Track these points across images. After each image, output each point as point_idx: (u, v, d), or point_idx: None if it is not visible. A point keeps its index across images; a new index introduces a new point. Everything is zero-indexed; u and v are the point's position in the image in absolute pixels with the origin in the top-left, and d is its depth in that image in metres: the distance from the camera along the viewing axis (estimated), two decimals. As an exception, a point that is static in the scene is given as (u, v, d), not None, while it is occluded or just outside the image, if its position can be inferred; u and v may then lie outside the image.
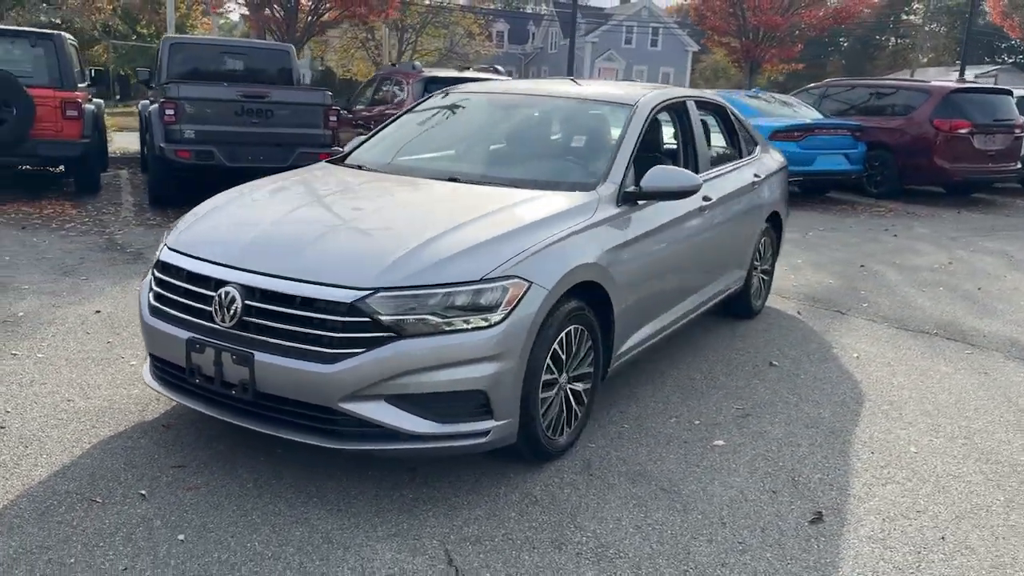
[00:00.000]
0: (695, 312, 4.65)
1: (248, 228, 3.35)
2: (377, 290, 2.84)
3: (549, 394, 3.26)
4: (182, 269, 3.21)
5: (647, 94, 4.42)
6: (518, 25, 57.57)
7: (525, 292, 3.01)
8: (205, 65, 10.27)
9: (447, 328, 2.86)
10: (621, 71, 52.66)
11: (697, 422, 3.88)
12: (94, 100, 10.71)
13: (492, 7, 55.74)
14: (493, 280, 2.96)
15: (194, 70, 10.22)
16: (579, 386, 3.49)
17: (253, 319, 2.93)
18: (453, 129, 4.57)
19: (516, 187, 3.75)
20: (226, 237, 3.31)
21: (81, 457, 3.22)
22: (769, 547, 2.83)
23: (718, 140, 5.50)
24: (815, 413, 4.07)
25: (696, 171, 4.61)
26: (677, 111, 4.72)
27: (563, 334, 3.27)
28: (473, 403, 2.93)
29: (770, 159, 5.83)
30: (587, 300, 3.42)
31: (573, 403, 3.46)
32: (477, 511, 2.97)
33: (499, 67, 12.51)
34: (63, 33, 9.82)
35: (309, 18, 21.41)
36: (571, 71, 21.12)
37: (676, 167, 4.00)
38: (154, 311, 3.27)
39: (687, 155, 4.71)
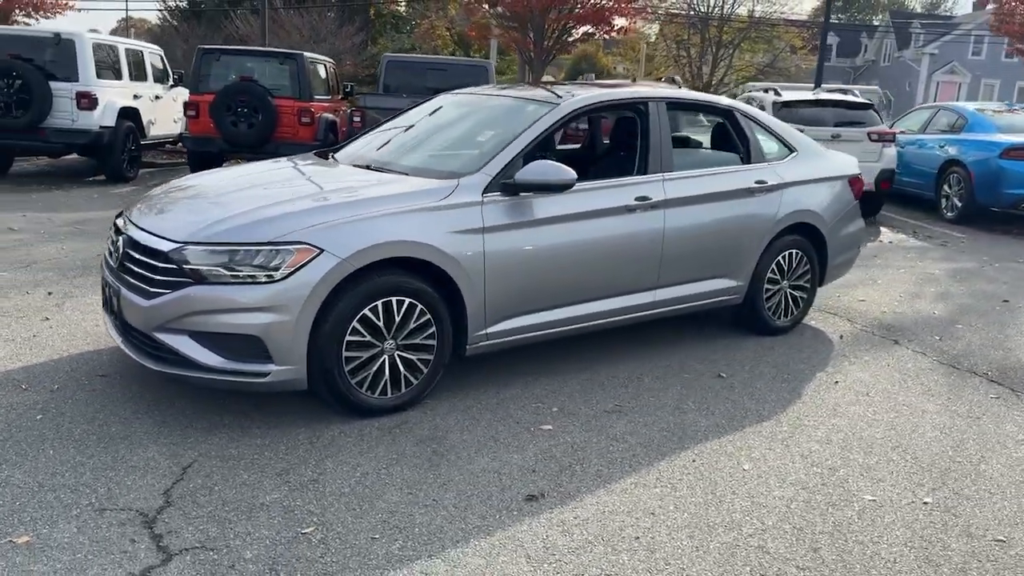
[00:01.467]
0: (642, 312, 4.62)
1: (175, 196, 4.18)
2: (186, 244, 3.50)
3: (361, 355, 3.63)
4: (113, 224, 4.13)
5: (578, 96, 4.53)
6: (848, 38, 53.86)
7: (313, 258, 3.45)
8: (412, 80, 11.61)
9: (233, 280, 3.42)
10: (965, 85, 46.98)
11: (554, 408, 3.95)
12: (341, 111, 12.58)
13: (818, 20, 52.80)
14: (280, 244, 3.45)
15: (403, 83, 11.61)
16: (413, 356, 3.80)
17: (126, 263, 3.74)
18: (417, 127, 5.02)
19: (405, 173, 4.16)
20: (154, 203, 4.17)
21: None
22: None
23: (717, 143, 5.29)
24: (677, 420, 3.90)
25: (644, 171, 4.60)
26: (638, 112, 4.72)
27: (380, 303, 3.63)
28: (254, 346, 3.45)
29: (810, 167, 5.41)
30: (424, 277, 3.74)
31: (403, 370, 3.78)
32: (280, 445, 3.48)
33: (676, 77, 12.42)
34: (305, 53, 11.77)
35: (555, 37, 22.38)
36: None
37: (555, 163, 4.08)
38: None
39: (641, 155, 4.68)
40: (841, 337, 5.47)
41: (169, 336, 3.51)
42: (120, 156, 11.29)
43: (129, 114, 11.49)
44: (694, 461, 3.49)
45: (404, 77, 11.69)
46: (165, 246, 3.54)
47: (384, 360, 3.74)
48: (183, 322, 3.46)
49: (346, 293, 3.55)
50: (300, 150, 11.30)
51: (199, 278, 3.44)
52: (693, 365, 4.72)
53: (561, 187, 4.05)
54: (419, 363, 3.84)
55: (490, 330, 4.04)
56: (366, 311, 3.62)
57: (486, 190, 3.98)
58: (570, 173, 4.03)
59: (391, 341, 3.73)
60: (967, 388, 4.59)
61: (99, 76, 11.02)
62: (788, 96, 10.97)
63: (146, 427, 3.55)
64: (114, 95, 11.19)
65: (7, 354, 4.31)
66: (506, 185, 4.02)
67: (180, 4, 38.68)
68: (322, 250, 3.48)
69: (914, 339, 5.48)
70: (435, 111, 5.12)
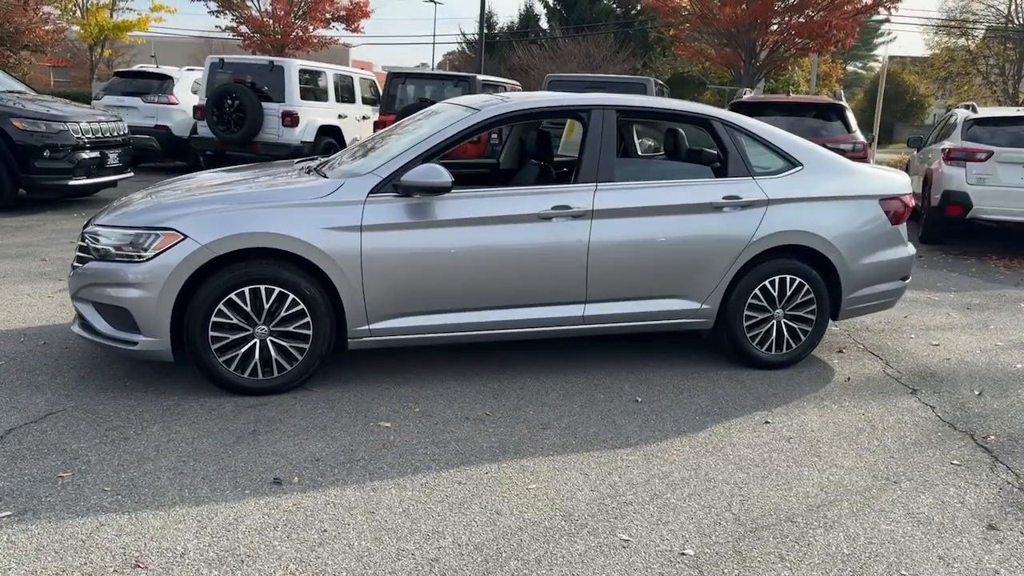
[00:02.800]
0: (570, 326, 4.44)
1: (151, 190, 4.84)
2: (95, 225, 4.07)
3: (228, 336, 3.96)
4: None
5: (500, 104, 4.48)
6: None
7: (177, 242, 3.85)
8: (573, 97, 11.73)
9: (118, 258, 3.92)
10: None
11: (416, 409, 3.96)
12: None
13: None
14: (151, 228, 3.90)
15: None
16: (287, 343, 4.06)
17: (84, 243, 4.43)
18: (389, 135, 5.20)
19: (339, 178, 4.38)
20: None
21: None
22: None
23: (693, 155, 4.86)
24: (519, 435, 3.70)
25: (575, 179, 4.44)
26: (580, 120, 4.55)
27: (248, 290, 3.94)
28: (127, 318, 3.92)
29: (817, 184, 4.76)
30: (299, 269, 3.98)
31: (274, 355, 4.05)
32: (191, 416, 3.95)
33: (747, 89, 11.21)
34: (479, 76, 12.44)
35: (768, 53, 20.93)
36: None
37: (436, 167, 4.07)
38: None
39: (577, 164, 4.49)
40: (848, 379, 4.75)
41: (80, 304, 4.09)
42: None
43: (330, 131, 12.93)
44: (473, 477, 3.33)
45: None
46: (87, 228, 4.15)
47: (255, 344, 4.02)
48: (86, 292, 4.03)
49: (211, 277, 3.90)
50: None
51: (99, 255, 3.98)
52: (620, 387, 4.42)
53: (438, 189, 4.07)
54: (294, 351, 4.07)
55: (373, 326, 4.16)
56: (232, 296, 3.93)
57: (374, 190, 4.11)
58: (445, 177, 4.04)
59: (263, 327, 4.00)
60: (933, 450, 3.79)
61: (304, 98, 12.57)
62: (986, 113, 9.49)
63: (38, 379, 4.16)
64: (316, 114, 12.68)
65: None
66: (396, 186, 4.12)
67: (476, 37, 42.64)
68: (186, 236, 3.87)
69: (941, 392, 4.59)
70: (411, 120, 5.31)
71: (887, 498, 3.30)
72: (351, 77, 13.94)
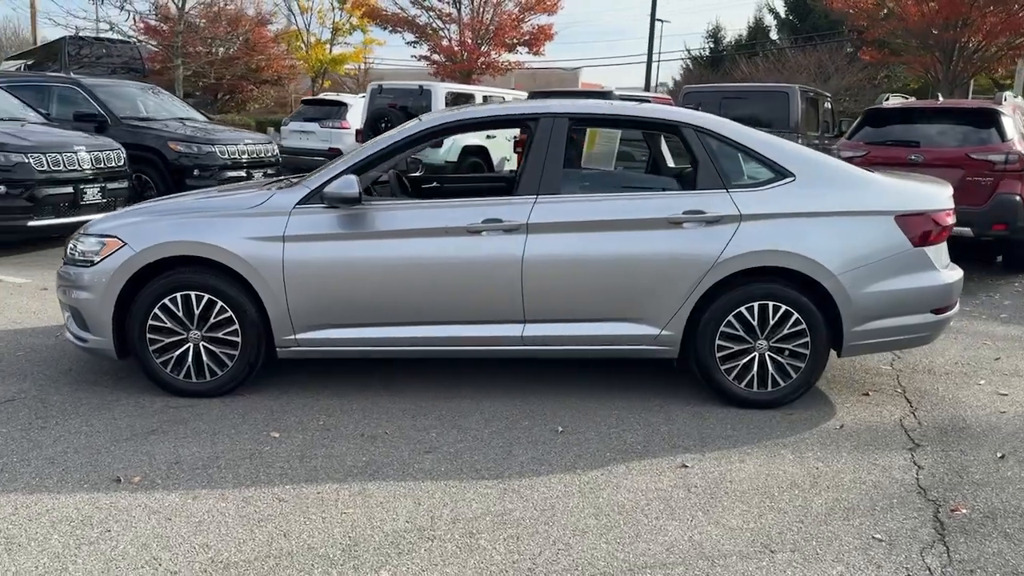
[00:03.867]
0: (508, 346, 4.18)
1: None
2: (81, 231, 4.47)
3: (163, 339, 4.18)
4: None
5: (438, 115, 4.35)
6: None
7: (117, 249, 4.14)
8: (711, 110, 11.08)
9: (78, 262, 4.27)
10: None
11: (320, 421, 3.93)
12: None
13: None
14: (101, 236, 4.22)
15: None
16: (217, 349, 4.21)
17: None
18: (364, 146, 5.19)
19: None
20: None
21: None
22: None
23: (659, 166, 4.34)
24: (390, 458, 3.51)
25: (515, 191, 4.20)
26: (527, 130, 4.28)
27: (180, 295, 4.15)
28: (80, 317, 4.26)
29: (810, 198, 4.10)
30: (226, 277, 4.13)
31: (206, 359, 4.22)
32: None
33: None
34: (614, 90, 12.13)
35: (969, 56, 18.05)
36: None
37: (351, 179, 4.00)
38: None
39: (522, 172, 4.24)
40: (841, 426, 4.03)
41: (65, 311, 4.52)
42: (462, 186, 13.09)
43: (476, 151, 13.25)
44: (301, 495, 3.22)
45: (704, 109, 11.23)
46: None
47: (189, 348, 4.20)
48: (60, 293, 4.45)
49: (149, 282, 4.14)
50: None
51: (70, 259, 4.38)
52: (554, 414, 4.08)
53: (348, 200, 4.02)
54: (224, 357, 4.21)
55: (299, 336, 4.18)
56: (166, 301, 4.14)
57: (302, 202, 4.15)
58: (353, 189, 3.99)
59: (196, 332, 4.18)
60: (864, 518, 3.10)
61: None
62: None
63: (33, 369, 4.61)
64: (464, 136, 13.05)
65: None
66: (321, 198, 4.13)
67: (703, 53, 42.20)
68: (125, 243, 4.14)
69: (952, 451, 3.75)
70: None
71: (739, 569, 2.75)
72: (503, 99, 14.20)
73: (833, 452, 3.71)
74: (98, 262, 4.16)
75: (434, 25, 26.09)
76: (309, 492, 3.23)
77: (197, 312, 4.14)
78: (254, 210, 4.16)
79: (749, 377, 4.18)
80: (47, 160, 7.93)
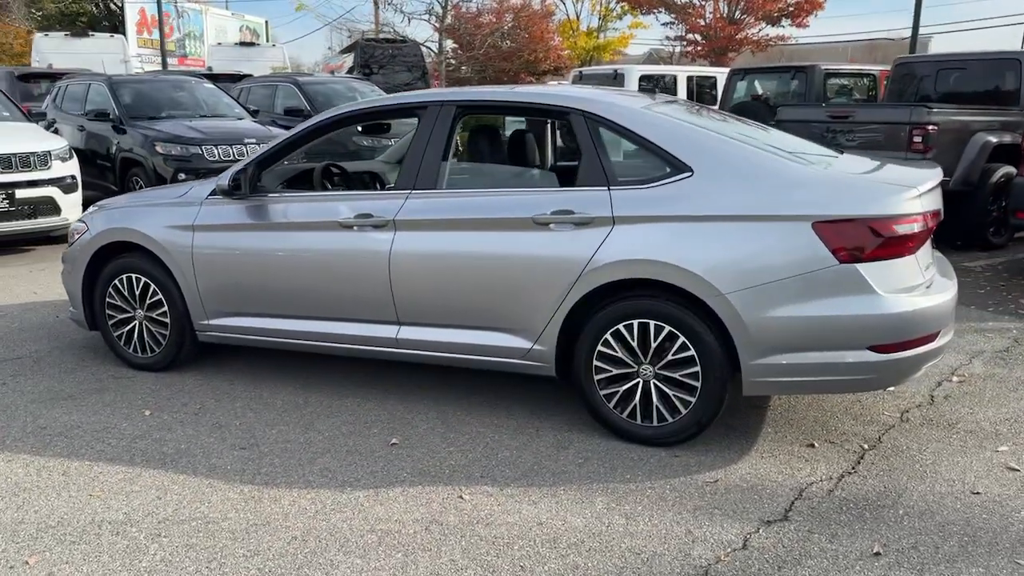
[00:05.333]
0: (385, 348, 4.01)
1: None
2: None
3: (115, 315, 4.64)
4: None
5: (333, 108, 4.21)
6: None
7: (84, 233, 4.67)
8: (922, 84, 9.36)
9: (70, 243, 4.88)
10: None
11: (199, 406, 4.10)
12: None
13: None
14: (80, 220, 4.78)
15: (908, 88, 9.50)
16: (153, 328, 4.57)
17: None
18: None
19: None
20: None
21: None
22: None
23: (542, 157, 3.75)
24: (183, 447, 3.54)
25: (395, 184, 4.02)
26: (418, 117, 4.00)
27: (124, 277, 4.58)
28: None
29: (704, 197, 3.35)
30: (156, 260, 4.48)
31: (145, 336, 4.60)
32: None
33: None
34: (818, 65, 10.72)
35: None
36: None
37: (229, 172, 4.06)
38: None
39: (403, 165, 3.99)
40: (716, 481, 3.27)
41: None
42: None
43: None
44: (79, 471, 3.40)
45: (910, 82, 9.47)
46: None
47: (135, 324, 4.62)
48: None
49: (100, 262, 4.61)
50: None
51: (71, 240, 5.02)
52: (411, 423, 3.82)
53: (223, 192, 4.15)
54: (159, 336, 4.56)
55: (210, 322, 4.39)
56: (116, 281, 4.59)
57: (212, 193, 4.33)
58: (222, 182, 4.09)
59: (140, 311, 4.59)
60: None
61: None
62: None
63: (59, 333, 5.33)
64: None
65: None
66: (224, 190, 4.27)
67: None
68: (88, 228, 4.65)
69: (823, 532, 2.87)
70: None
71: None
72: (713, 78, 13.23)
73: (658, 510, 3.03)
74: (73, 243, 4.72)
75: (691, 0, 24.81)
76: (88, 470, 3.40)
77: (138, 292, 4.52)
78: (176, 200, 4.42)
79: (631, 407, 3.55)
80: (218, 151, 8.98)
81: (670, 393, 3.47)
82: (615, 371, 3.55)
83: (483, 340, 3.78)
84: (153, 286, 4.46)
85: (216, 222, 4.26)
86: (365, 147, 9.61)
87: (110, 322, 4.65)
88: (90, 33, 20.27)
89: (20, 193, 7.59)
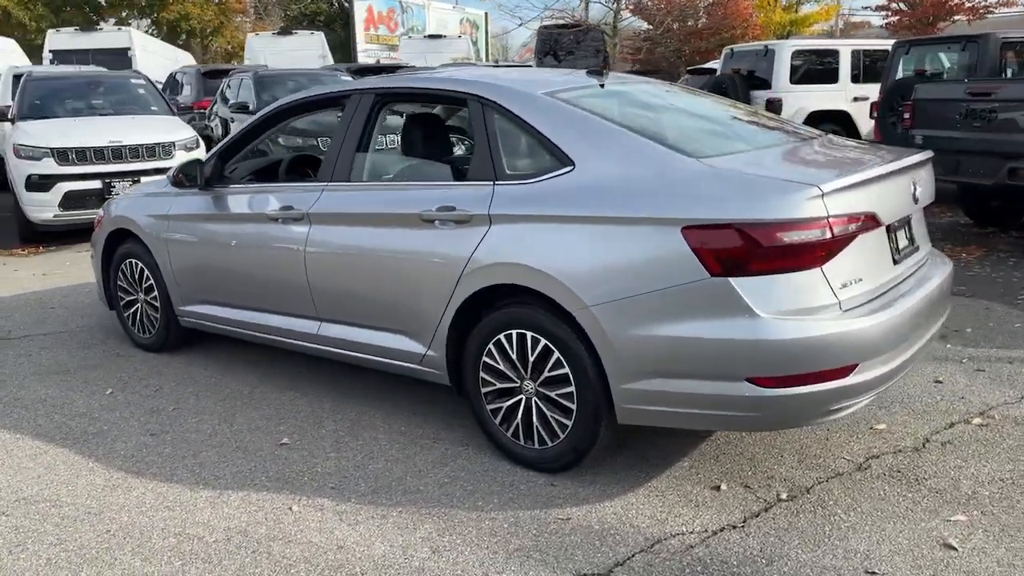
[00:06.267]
0: (311, 344, 3.94)
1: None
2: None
3: (127, 297, 4.97)
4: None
5: (277, 102, 4.15)
6: None
7: (102, 218, 5.03)
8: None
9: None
10: None
11: (113, 390, 4.28)
12: None
13: None
14: (101, 208, 5.16)
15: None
16: (151, 312, 4.83)
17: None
18: None
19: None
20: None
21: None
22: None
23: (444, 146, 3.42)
24: (62, 426, 3.67)
25: (300, 176, 4.02)
26: (342, 108, 3.85)
27: (126, 263, 4.89)
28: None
29: (579, 194, 2.93)
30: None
31: (145, 320, 4.87)
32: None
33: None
34: (993, 33, 9.14)
35: None
36: None
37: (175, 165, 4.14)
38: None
39: (327, 156, 3.87)
40: (567, 519, 2.87)
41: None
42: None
43: (830, 117, 11.32)
44: None
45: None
46: None
47: (138, 307, 4.91)
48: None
49: (116, 250, 4.94)
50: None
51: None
52: (324, 426, 3.73)
53: (173, 183, 4.24)
54: (155, 319, 4.81)
55: (184, 308, 4.56)
56: (122, 265, 4.91)
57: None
58: (168, 172, 4.18)
59: (141, 295, 4.87)
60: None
61: (800, 82, 11.33)
62: None
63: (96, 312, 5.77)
64: (813, 100, 11.29)
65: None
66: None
67: None
68: (104, 215, 5.01)
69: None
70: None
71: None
72: (886, 51, 11.71)
73: (474, 547, 2.71)
74: (96, 229, 5.10)
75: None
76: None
77: (139, 277, 4.80)
78: (162, 190, 4.62)
79: (515, 426, 3.22)
80: None
81: (548, 414, 3.09)
82: (499, 385, 3.22)
83: (386, 342, 3.59)
84: (147, 271, 4.71)
85: (182, 212, 4.40)
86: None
87: (121, 303, 4.97)
88: (293, 31, 21.92)
89: (145, 180, 8.35)
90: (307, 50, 21.14)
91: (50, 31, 18.58)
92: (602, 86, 3.61)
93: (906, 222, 3.15)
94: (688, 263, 2.67)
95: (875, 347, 2.70)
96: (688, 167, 2.83)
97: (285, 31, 22.20)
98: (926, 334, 3.08)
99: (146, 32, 51.98)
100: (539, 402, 3.11)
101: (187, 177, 4.24)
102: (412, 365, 3.52)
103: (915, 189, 3.08)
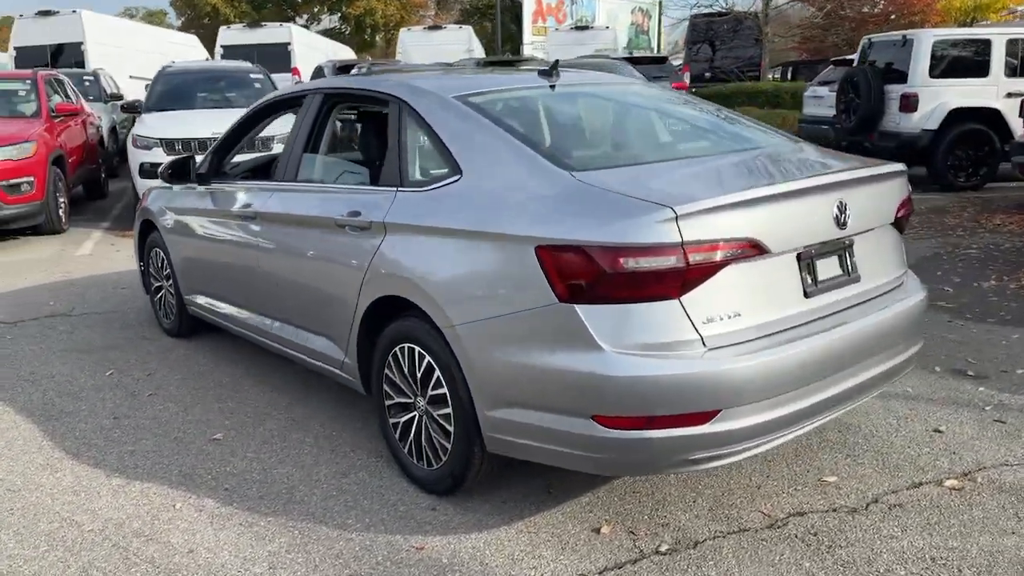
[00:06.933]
0: (272, 343, 4.03)
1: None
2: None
3: (155, 283, 5.27)
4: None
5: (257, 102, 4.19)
6: None
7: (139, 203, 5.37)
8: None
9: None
10: None
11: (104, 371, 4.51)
12: None
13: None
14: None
15: None
16: (170, 298, 5.11)
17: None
18: None
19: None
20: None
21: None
22: None
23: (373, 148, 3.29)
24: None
25: (265, 175, 4.04)
26: (305, 108, 3.84)
27: (154, 250, 5.18)
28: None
29: (460, 206, 2.76)
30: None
31: (167, 305, 5.16)
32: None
33: None
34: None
35: None
36: None
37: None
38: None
39: (281, 156, 3.89)
40: (420, 549, 2.73)
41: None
42: (944, 162, 10.23)
43: (975, 115, 10.12)
44: (-5, 418, 3.95)
45: None
46: None
47: (162, 295, 5.19)
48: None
49: (147, 238, 5.26)
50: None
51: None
52: (274, 418, 3.77)
53: (163, 178, 4.41)
54: (172, 306, 5.07)
55: (186, 297, 4.77)
56: (151, 253, 5.19)
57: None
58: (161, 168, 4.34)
59: (164, 282, 5.14)
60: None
61: (945, 75, 10.21)
62: None
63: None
64: (956, 95, 10.14)
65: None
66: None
67: None
68: (140, 205, 5.34)
69: None
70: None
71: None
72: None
73: (300, 566, 2.63)
74: (137, 215, 5.45)
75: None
76: (-1, 417, 3.97)
77: (160, 265, 5.08)
78: (170, 184, 4.84)
79: (409, 442, 3.10)
80: None
81: (433, 435, 2.95)
82: (397, 399, 3.12)
83: (317, 345, 3.58)
84: (165, 260, 4.97)
85: (181, 205, 4.59)
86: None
87: (151, 289, 5.28)
88: (443, 26, 22.45)
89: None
90: (455, 44, 21.59)
91: (222, 28, 20.09)
92: (552, 87, 3.39)
93: (841, 249, 2.72)
94: (540, 286, 2.44)
95: (745, 392, 2.35)
96: (558, 181, 2.59)
97: (435, 26, 22.79)
98: (856, 379, 2.66)
99: (334, 27, 55.06)
100: (428, 421, 2.97)
101: (174, 174, 4.39)
102: (335, 370, 3.48)
103: (842, 212, 2.64)
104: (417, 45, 21.60)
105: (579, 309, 2.36)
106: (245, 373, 4.43)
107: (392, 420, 3.16)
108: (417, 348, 2.92)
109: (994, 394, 3.81)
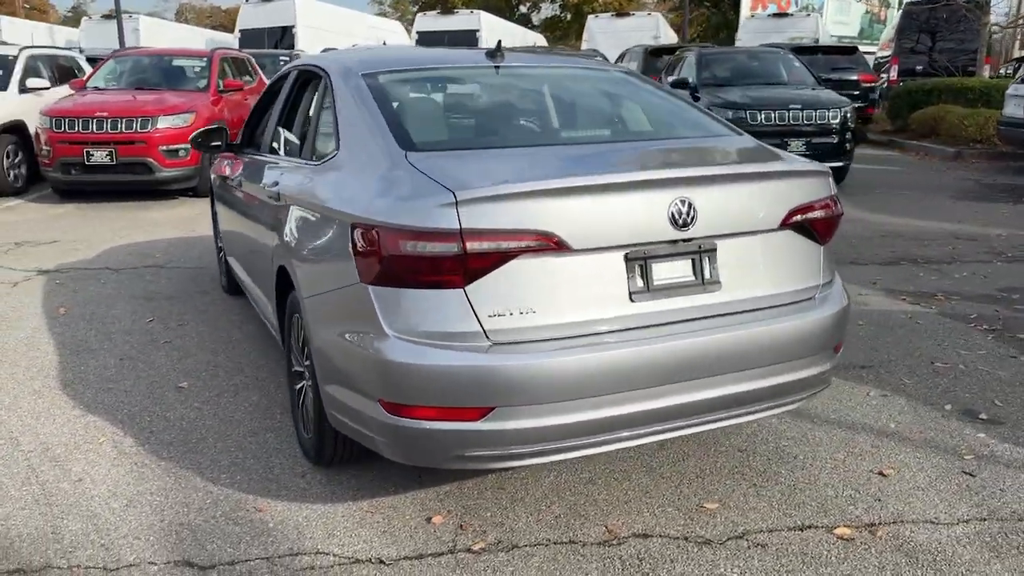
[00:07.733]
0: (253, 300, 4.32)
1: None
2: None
3: (219, 244, 5.76)
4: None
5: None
6: None
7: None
8: None
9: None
10: None
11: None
12: None
13: None
14: (217, 167, 6.01)
15: None
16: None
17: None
18: None
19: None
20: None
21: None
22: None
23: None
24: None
25: (256, 147, 4.27)
26: (288, 83, 4.00)
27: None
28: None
29: (329, 180, 2.80)
30: None
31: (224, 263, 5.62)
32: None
33: None
34: None
35: None
36: None
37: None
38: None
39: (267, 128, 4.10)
40: (250, 572, 2.83)
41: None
42: None
43: None
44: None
45: None
46: None
47: (222, 253, 5.65)
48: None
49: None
50: None
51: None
52: (255, 377, 4.04)
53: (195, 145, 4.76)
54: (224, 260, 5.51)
55: (228, 258, 5.16)
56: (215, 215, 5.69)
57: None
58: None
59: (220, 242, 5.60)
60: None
61: None
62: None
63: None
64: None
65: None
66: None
67: None
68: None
69: None
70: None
71: None
72: None
73: (139, 529, 2.82)
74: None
75: None
76: (37, 347, 4.54)
77: (216, 227, 5.54)
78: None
79: (300, 409, 3.21)
80: (761, 116, 9.46)
81: (309, 405, 3.03)
82: (295, 367, 3.23)
83: (267, 310, 3.76)
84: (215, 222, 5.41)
85: (222, 174, 4.96)
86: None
87: (218, 248, 5.77)
88: (631, 13, 22.18)
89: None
90: (641, 31, 21.28)
91: (419, 15, 21.15)
92: (497, 68, 3.32)
93: (695, 253, 2.45)
94: (350, 264, 2.43)
95: (522, 392, 2.21)
96: (388, 161, 2.55)
97: (623, 13, 22.56)
98: (696, 395, 2.41)
99: (554, 15, 55.63)
100: (310, 390, 3.05)
101: (203, 142, 4.71)
102: (273, 332, 3.65)
103: (684, 212, 2.37)
104: (603, 32, 21.52)
105: (371, 291, 2.33)
106: (258, 333, 4.72)
107: (295, 386, 3.27)
108: (301, 319, 3.00)
109: (991, 444, 3.25)
